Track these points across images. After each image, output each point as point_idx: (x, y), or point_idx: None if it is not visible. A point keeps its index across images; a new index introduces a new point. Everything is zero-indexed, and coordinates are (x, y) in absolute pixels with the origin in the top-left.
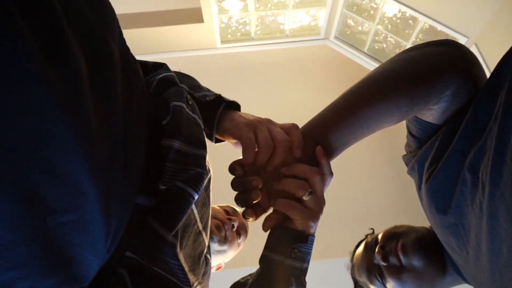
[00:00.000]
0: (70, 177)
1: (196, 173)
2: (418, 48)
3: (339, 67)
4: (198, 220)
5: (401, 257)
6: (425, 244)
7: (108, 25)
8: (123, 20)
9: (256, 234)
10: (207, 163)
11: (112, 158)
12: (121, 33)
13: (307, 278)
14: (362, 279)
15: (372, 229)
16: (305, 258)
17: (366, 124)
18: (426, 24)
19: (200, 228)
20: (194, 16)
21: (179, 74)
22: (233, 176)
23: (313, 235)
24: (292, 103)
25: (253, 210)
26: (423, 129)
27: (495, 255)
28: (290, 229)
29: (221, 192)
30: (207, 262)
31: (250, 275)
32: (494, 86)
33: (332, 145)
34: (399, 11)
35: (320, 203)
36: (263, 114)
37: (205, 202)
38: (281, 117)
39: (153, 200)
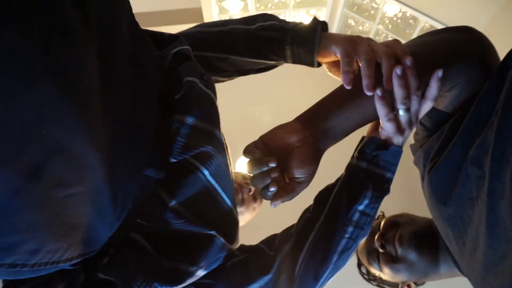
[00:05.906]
0: (74, 153)
1: (206, 151)
2: (436, 34)
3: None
4: (220, 191)
5: (397, 247)
6: (421, 237)
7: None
8: None
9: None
10: (220, 138)
11: (118, 133)
12: (130, 9)
13: None
14: (363, 259)
15: (382, 212)
16: (387, 168)
17: None
18: (427, 24)
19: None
20: (194, 16)
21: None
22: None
23: (397, 147)
24: (293, 102)
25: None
26: (432, 117)
27: (492, 248)
28: (373, 138)
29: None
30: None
31: (338, 179)
32: (499, 80)
33: (342, 124)
34: (400, 11)
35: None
36: (264, 113)
37: (224, 174)
38: (282, 116)
39: (164, 173)
